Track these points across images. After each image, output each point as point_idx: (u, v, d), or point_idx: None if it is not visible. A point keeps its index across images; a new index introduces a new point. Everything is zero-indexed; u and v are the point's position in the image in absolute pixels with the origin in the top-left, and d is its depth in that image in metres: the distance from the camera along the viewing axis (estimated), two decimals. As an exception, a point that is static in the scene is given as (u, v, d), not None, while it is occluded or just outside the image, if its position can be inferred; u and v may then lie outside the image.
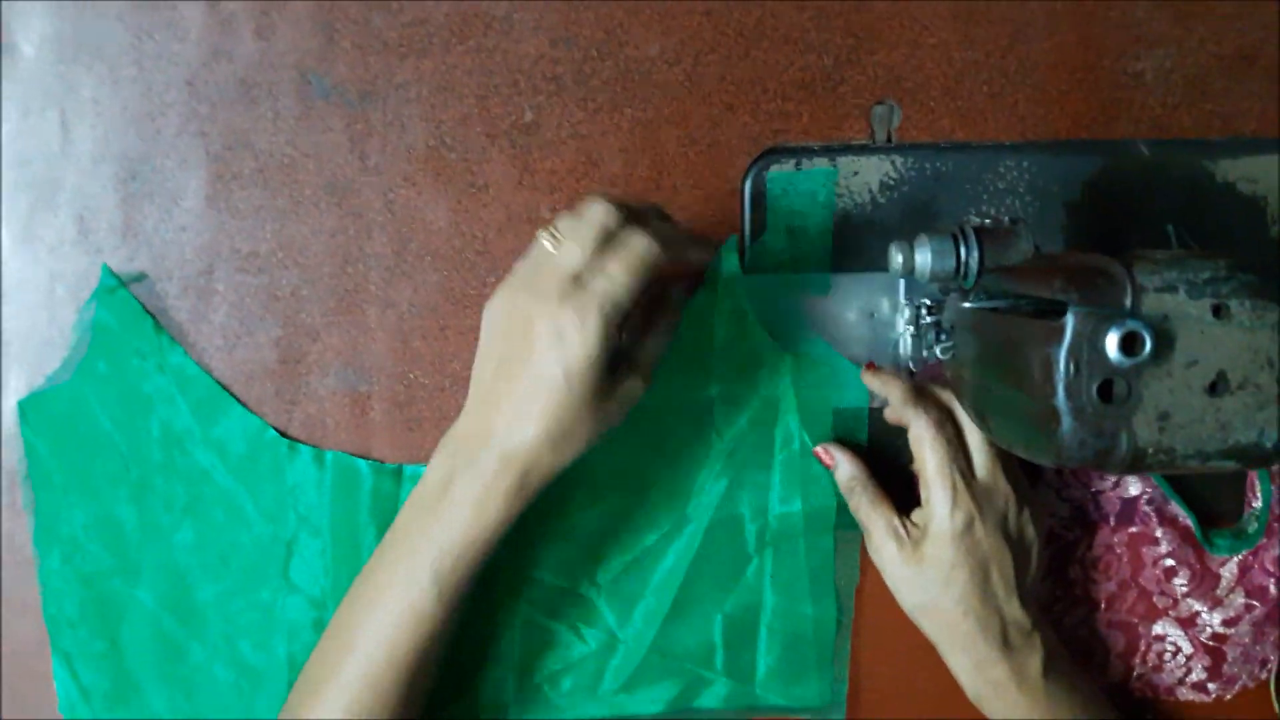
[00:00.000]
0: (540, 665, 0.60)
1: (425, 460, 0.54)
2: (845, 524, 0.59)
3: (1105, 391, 0.38)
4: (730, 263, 0.58)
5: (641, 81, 0.59)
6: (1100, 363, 0.38)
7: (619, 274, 0.48)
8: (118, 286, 0.59)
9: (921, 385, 0.56)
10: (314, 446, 0.60)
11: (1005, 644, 0.53)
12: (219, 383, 0.60)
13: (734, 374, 0.59)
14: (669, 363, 0.58)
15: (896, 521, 0.55)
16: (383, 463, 0.60)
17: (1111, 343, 0.37)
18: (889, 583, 0.56)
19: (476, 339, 0.60)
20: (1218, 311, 0.38)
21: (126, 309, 0.59)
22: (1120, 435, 0.38)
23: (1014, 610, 0.53)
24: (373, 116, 0.59)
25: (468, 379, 0.60)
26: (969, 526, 0.52)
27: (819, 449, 0.58)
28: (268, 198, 0.59)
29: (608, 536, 0.60)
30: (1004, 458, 0.54)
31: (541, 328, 0.48)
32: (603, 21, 0.59)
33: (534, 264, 0.50)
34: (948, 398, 0.55)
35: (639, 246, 0.48)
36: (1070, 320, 0.38)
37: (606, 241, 0.48)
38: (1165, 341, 0.38)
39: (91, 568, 0.60)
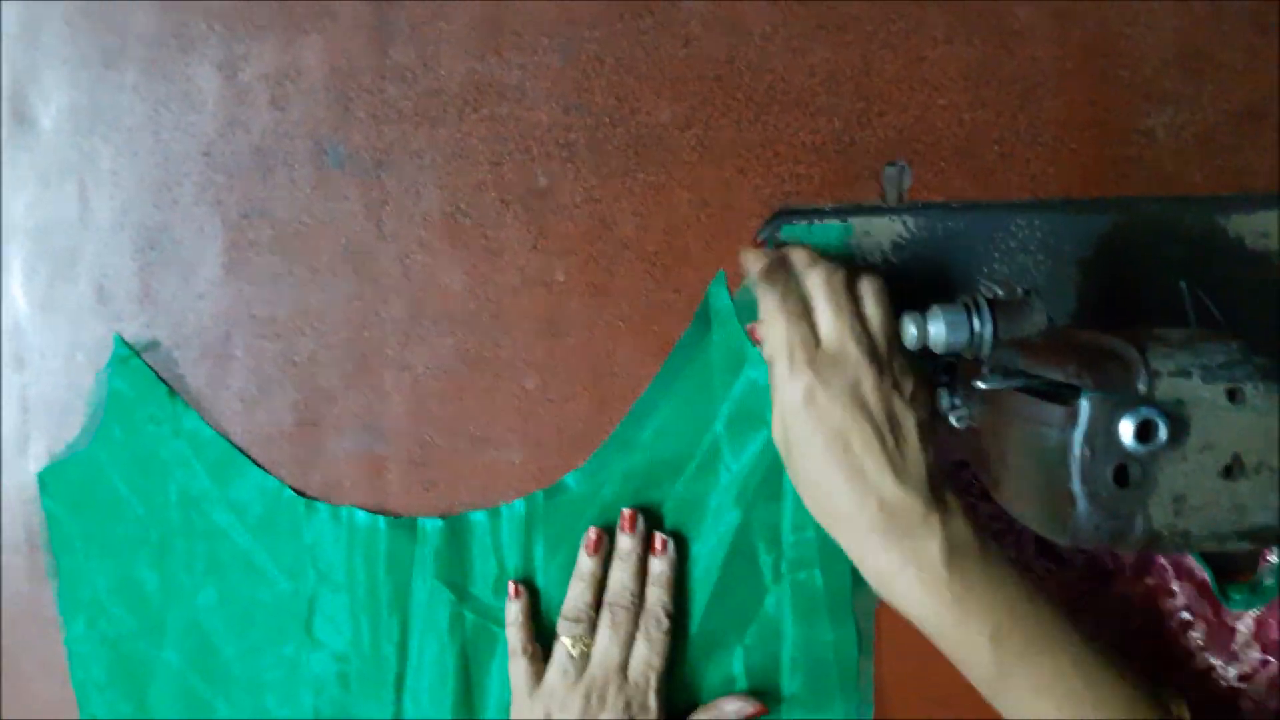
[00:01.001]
0: None
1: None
2: None
3: (1120, 476, 0.38)
4: (720, 297, 0.59)
5: (654, 146, 0.59)
6: (1115, 448, 0.38)
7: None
8: (130, 355, 0.60)
9: (782, 256, 0.53)
10: (330, 504, 0.60)
11: (891, 527, 0.48)
12: (235, 446, 0.60)
13: (736, 407, 0.59)
14: (671, 405, 0.59)
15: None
16: (397, 516, 0.60)
17: (1126, 430, 0.37)
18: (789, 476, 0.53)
19: (491, 400, 0.61)
20: (1233, 396, 0.38)
21: (140, 377, 0.60)
22: (1135, 518, 0.38)
23: (891, 488, 0.48)
24: (388, 184, 0.60)
25: (483, 440, 0.61)
26: (810, 395, 0.48)
27: (750, 325, 0.57)
28: (285, 265, 0.60)
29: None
30: (861, 326, 0.50)
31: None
32: (614, 89, 0.59)
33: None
34: (801, 268, 0.52)
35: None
36: (1085, 406, 0.38)
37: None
38: (1180, 426, 0.38)
39: (116, 631, 0.61)
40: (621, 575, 0.58)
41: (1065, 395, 0.40)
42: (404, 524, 0.60)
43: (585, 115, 0.59)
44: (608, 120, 0.59)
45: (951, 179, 0.59)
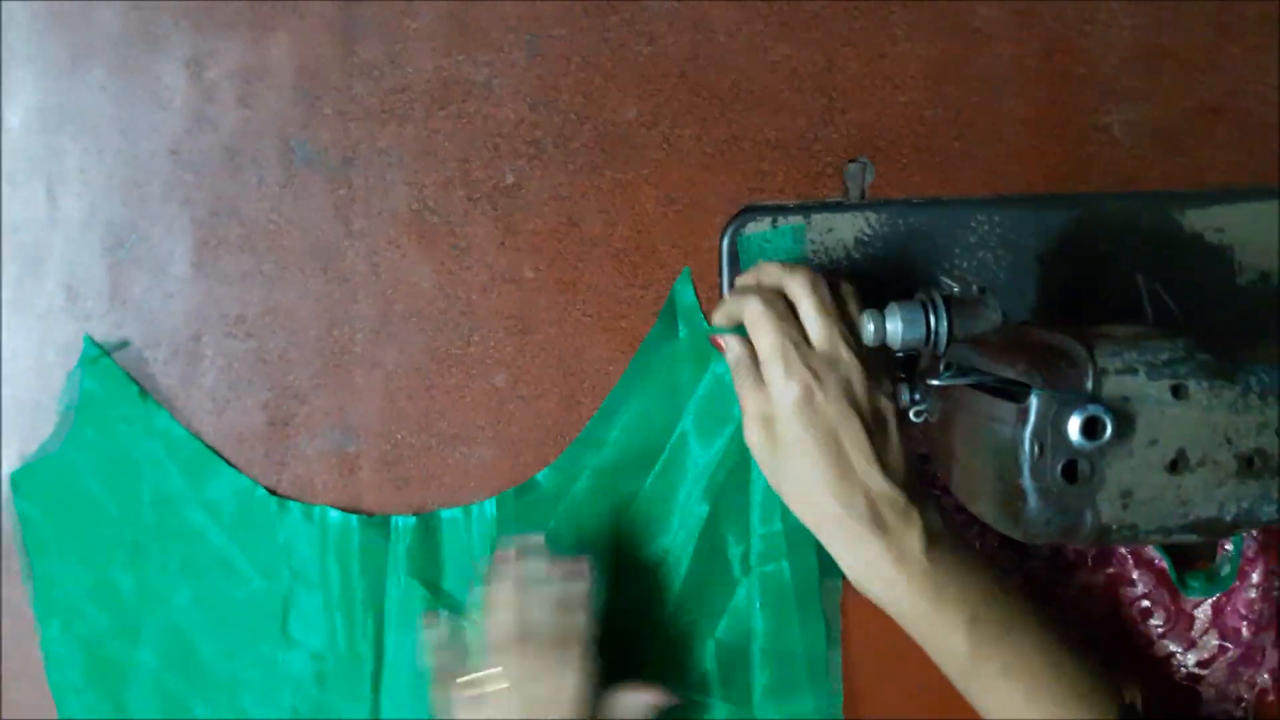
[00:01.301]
0: None
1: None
2: None
3: (1069, 472, 0.39)
4: (686, 294, 0.59)
5: (620, 144, 0.60)
6: (1064, 445, 0.39)
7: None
8: (100, 355, 0.60)
9: (757, 271, 0.55)
10: (303, 503, 0.61)
11: (876, 520, 0.50)
12: (208, 445, 0.61)
13: (703, 402, 0.60)
14: (640, 401, 0.59)
15: (768, 409, 0.52)
16: (370, 515, 0.61)
17: (1074, 426, 0.38)
18: (766, 477, 0.54)
19: (461, 397, 0.61)
20: (1177, 392, 0.39)
21: (111, 377, 0.60)
22: (1085, 513, 0.39)
23: (878, 483, 0.50)
24: (356, 182, 0.60)
25: (454, 437, 0.61)
26: (808, 396, 0.50)
27: (716, 336, 0.58)
28: (254, 263, 0.60)
29: (595, 572, 0.61)
30: (847, 329, 0.52)
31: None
32: (580, 86, 0.60)
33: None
34: (775, 279, 0.54)
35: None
36: (1034, 403, 0.39)
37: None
38: (1126, 422, 0.39)
39: (92, 632, 0.61)
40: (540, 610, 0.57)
41: (1016, 392, 0.41)
42: (377, 522, 0.61)
43: (552, 113, 0.60)
44: (574, 118, 0.60)
45: (913, 175, 0.60)
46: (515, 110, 0.60)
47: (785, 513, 0.59)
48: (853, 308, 0.53)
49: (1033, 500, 0.40)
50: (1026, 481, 0.39)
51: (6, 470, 0.61)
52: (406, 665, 0.61)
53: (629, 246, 0.60)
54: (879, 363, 0.52)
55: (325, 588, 0.60)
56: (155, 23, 0.59)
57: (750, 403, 0.53)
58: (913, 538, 0.49)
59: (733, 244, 0.60)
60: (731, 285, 0.60)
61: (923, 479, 0.52)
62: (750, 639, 0.61)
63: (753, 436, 0.52)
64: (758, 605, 0.61)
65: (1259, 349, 0.43)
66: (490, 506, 0.61)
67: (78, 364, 0.60)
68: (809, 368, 0.50)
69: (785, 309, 0.52)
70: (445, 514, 0.61)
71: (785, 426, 0.51)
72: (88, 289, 0.60)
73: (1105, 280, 0.59)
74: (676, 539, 0.61)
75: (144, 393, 0.60)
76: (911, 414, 0.50)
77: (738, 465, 0.60)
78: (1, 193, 0.60)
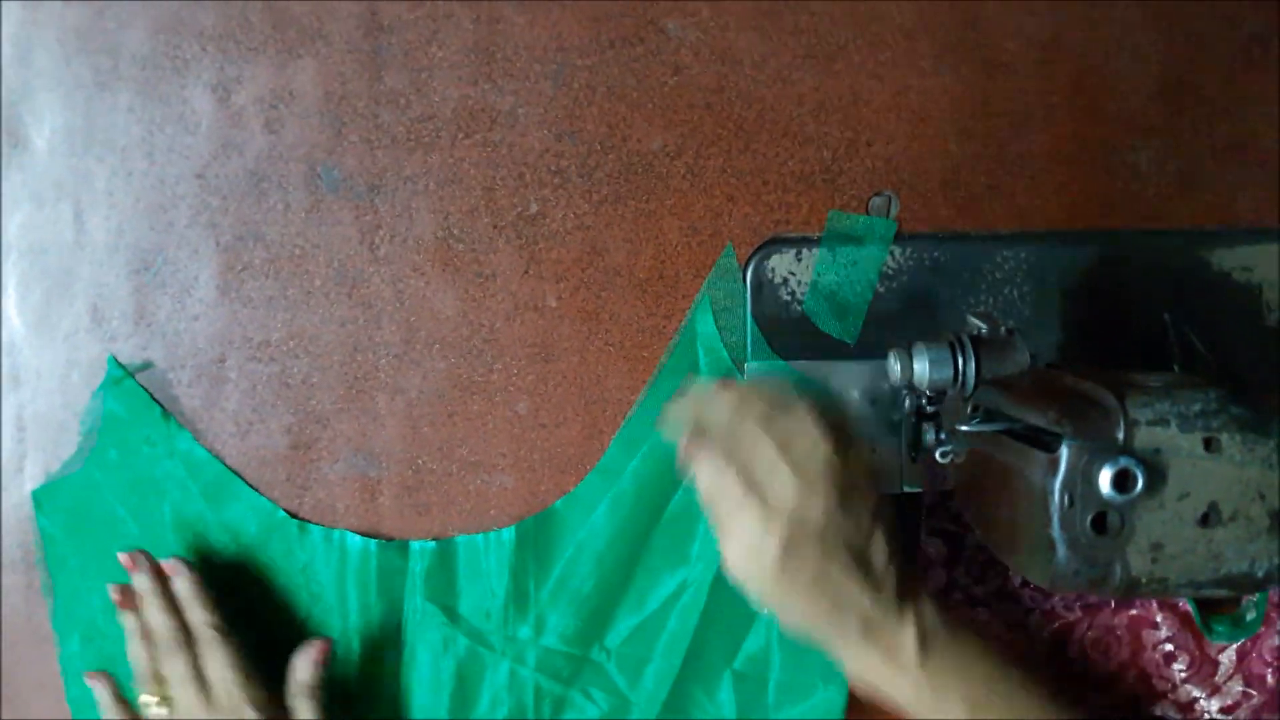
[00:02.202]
0: None
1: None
2: None
3: (1099, 524, 0.39)
4: (705, 322, 0.59)
5: (644, 174, 0.60)
6: (1094, 496, 0.39)
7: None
8: (124, 377, 0.60)
9: (695, 411, 0.51)
10: (323, 527, 0.61)
11: (870, 633, 0.49)
12: (230, 468, 0.61)
13: None
14: (659, 430, 0.59)
15: (748, 553, 0.50)
16: (389, 539, 0.61)
17: (1105, 479, 0.38)
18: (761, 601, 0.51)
19: (483, 424, 0.61)
20: (1209, 445, 0.39)
21: (134, 398, 0.60)
22: (1114, 565, 0.39)
23: (869, 603, 0.49)
24: (381, 208, 0.60)
25: (475, 464, 0.61)
26: (787, 552, 0.48)
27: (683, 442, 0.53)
28: (279, 288, 0.61)
29: (612, 602, 0.61)
30: (809, 467, 0.48)
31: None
32: (606, 117, 0.60)
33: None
34: (714, 411, 0.50)
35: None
36: (1065, 454, 0.39)
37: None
38: (1158, 474, 0.39)
39: (111, 649, 0.61)
40: (155, 615, 0.58)
41: (1048, 441, 0.41)
42: (395, 546, 0.61)
43: (577, 143, 0.60)
44: (599, 147, 0.60)
45: (938, 209, 0.60)
46: (540, 139, 0.60)
47: None
48: (801, 434, 0.49)
49: (1062, 551, 0.39)
50: (1056, 532, 0.39)
51: (31, 488, 0.61)
52: (423, 689, 0.61)
53: (652, 276, 0.60)
54: (852, 472, 0.49)
55: (343, 610, 0.61)
56: (182, 47, 0.60)
57: (728, 548, 0.50)
58: (908, 642, 0.49)
59: (758, 275, 0.60)
60: (755, 318, 0.60)
61: (917, 573, 0.52)
62: (767, 670, 0.61)
63: (736, 570, 0.50)
64: (774, 635, 0.61)
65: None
66: (508, 534, 0.61)
67: (101, 385, 0.60)
68: (778, 527, 0.48)
69: (738, 466, 0.48)
70: (463, 540, 0.61)
71: (775, 580, 0.49)
72: (113, 310, 0.61)
73: (1132, 318, 0.59)
74: (695, 570, 0.60)
75: (166, 414, 0.61)
76: (938, 454, 0.50)
77: None
78: (29, 214, 0.60)
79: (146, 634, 0.58)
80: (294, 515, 0.61)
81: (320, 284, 0.61)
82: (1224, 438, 0.39)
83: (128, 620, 0.58)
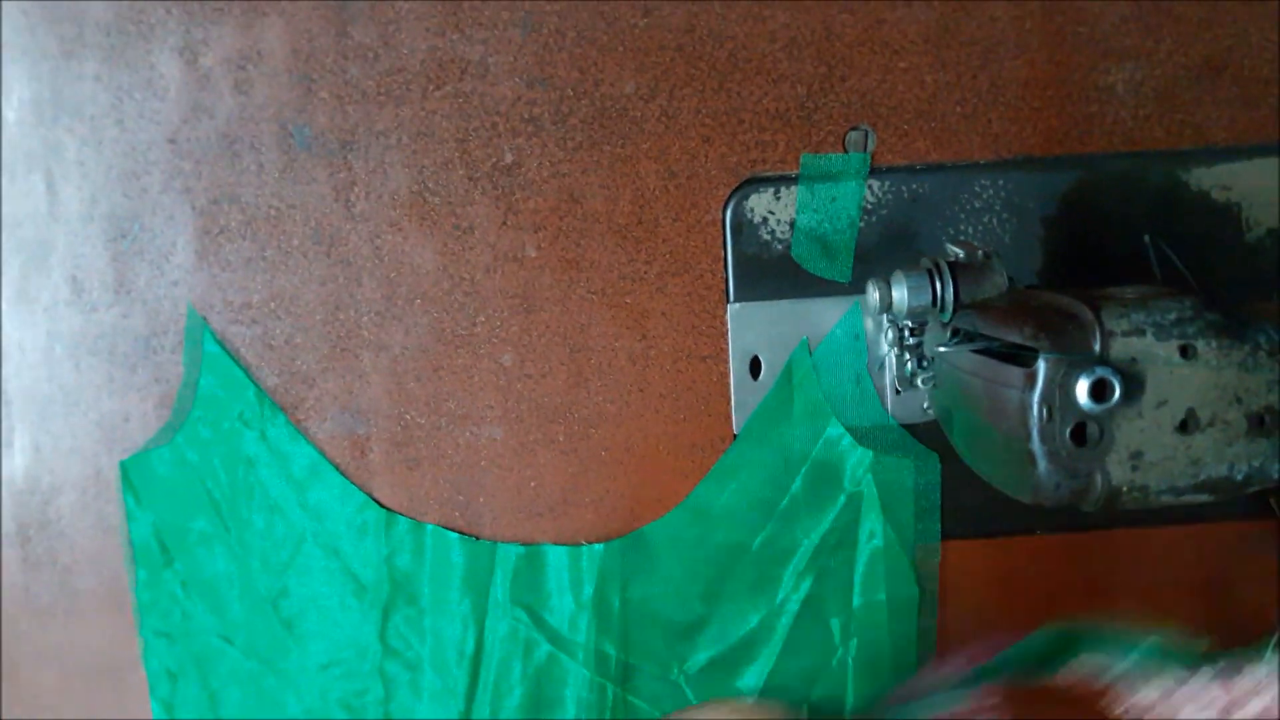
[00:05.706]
0: None
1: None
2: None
3: (1078, 435, 0.39)
4: (803, 362, 0.59)
5: (618, 118, 0.60)
6: (1072, 408, 0.39)
7: None
8: (221, 352, 0.60)
9: None
10: (412, 519, 0.61)
11: None
12: (322, 453, 0.61)
13: (814, 471, 0.60)
14: (751, 464, 0.60)
15: None
16: (478, 538, 0.61)
17: (1082, 389, 0.38)
18: None
19: (469, 377, 0.61)
20: (1185, 352, 0.39)
21: (230, 375, 0.60)
22: (1095, 475, 0.39)
23: None
24: (355, 165, 0.60)
25: (463, 417, 0.61)
26: None
27: None
28: (256, 250, 0.60)
29: (694, 629, 0.61)
30: None
31: None
32: (577, 61, 0.59)
33: None
34: None
35: None
36: (1042, 368, 0.39)
37: None
38: (1135, 384, 0.39)
39: (191, 625, 0.61)
40: None
41: (1024, 357, 0.41)
42: (483, 545, 0.61)
43: (549, 89, 0.59)
44: (571, 93, 0.59)
45: (915, 142, 0.60)
46: (512, 88, 0.59)
47: (890, 586, 0.60)
48: None
49: (1042, 464, 0.40)
50: (1036, 446, 0.39)
51: (19, 461, 0.61)
52: (500, 688, 0.61)
53: (631, 222, 0.60)
54: None
55: (426, 603, 0.61)
56: (147, 11, 0.59)
57: None
58: None
59: (737, 216, 0.59)
60: (736, 259, 0.59)
61: None
62: (843, 706, 0.61)
63: None
64: (851, 671, 0.61)
65: (1267, 305, 0.43)
66: (599, 548, 0.61)
67: (203, 359, 0.60)
68: None
69: None
70: (552, 549, 0.61)
71: None
72: (92, 280, 0.61)
73: (1112, 241, 0.59)
74: (776, 605, 0.61)
75: (261, 393, 0.60)
76: (918, 383, 0.50)
77: (845, 534, 0.60)
78: (1, 187, 0.60)
79: None
80: (383, 506, 0.61)
81: (298, 244, 0.60)
82: (1199, 344, 0.39)
83: None
